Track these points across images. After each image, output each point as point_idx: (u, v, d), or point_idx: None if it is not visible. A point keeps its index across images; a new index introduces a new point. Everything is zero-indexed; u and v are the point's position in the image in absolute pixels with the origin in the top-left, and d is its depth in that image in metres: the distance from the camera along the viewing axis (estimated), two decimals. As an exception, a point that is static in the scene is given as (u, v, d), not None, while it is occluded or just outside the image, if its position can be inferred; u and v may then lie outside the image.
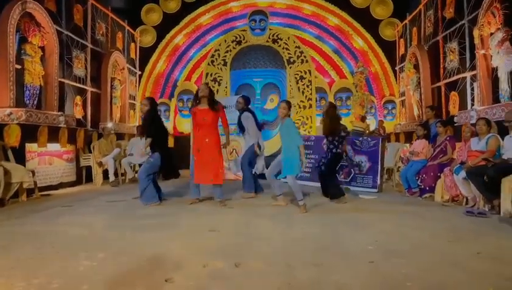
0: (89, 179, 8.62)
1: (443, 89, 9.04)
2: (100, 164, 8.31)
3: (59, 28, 8.30)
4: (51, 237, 3.64)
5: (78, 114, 9.23)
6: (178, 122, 12.53)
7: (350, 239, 3.53)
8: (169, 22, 12.63)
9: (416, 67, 9.98)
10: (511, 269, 2.68)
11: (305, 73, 10.69)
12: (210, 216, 4.71)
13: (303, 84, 10.63)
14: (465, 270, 2.67)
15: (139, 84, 12.58)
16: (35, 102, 7.51)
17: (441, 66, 9.15)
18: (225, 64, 10.93)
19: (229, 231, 3.92)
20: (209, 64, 11.10)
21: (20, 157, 6.58)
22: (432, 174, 6.30)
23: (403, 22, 11.55)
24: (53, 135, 7.44)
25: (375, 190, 7.05)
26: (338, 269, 2.68)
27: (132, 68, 12.15)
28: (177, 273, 2.60)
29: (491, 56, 6.86)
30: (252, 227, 4.10)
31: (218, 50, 11.11)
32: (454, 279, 2.51)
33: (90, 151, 8.71)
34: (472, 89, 7.77)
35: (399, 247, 3.26)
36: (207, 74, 11.01)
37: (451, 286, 2.42)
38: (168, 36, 12.64)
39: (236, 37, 11.11)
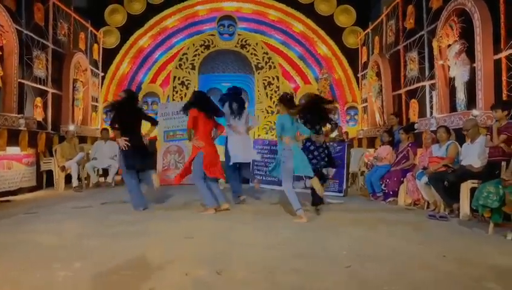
0: (50, 183, 8.31)
1: (403, 96, 9.44)
2: (63, 169, 8.03)
3: (18, 27, 7.96)
4: (20, 247, 3.50)
5: (39, 116, 8.86)
6: (142, 125, 12.26)
7: (325, 244, 3.64)
8: (133, 24, 12.38)
9: (378, 74, 10.35)
10: (476, 271, 2.87)
11: (273, 79, 10.86)
12: (188, 222, 4.69)
13: (271, 90, 10.79)
14: (435, 272, 2.83)
15: (102, 86, 12.26)
16: (-7, 104, 7.18)
17: (402, 74, 9.56)
18: (193, 68, 10.90)
19: (208, 237, 3.93)
20: (176, 67, 11.02)
21: (-22, 162, 6.26)
22: (395, 179, 6.57)
23: (366, 31, 11.95)
24: (13, 138, 7.13)
25: (341, 194, 7.26)
26: (318, 274, 2.76)
27: (95, 70, 11.82)
28: (159, 282, 2.59)
29: (449, 66, 7.27)
30: (232, 233, 4.12)
31: (186, 54, 11.06)
32: (427, 281, 2.66)
33: (51, 155, 8.40)
34: (431, 97, 8.17)
35: (371, 251, 3.40)
36: (174, 77, 10.92)
37: (425, 287, 2.56)
38: (132, 38, 12.38)
39: (205, 41, 11.11)
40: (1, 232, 4.11)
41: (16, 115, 7.48)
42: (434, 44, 7.60)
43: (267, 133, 10.69)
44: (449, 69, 7.29)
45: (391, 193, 6.59)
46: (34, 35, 8.64)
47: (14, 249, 3.44)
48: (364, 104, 11.96)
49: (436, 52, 7.62)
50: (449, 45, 7.23)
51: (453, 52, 7.04)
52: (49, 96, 9.32)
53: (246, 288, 2.53)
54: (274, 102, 10.79)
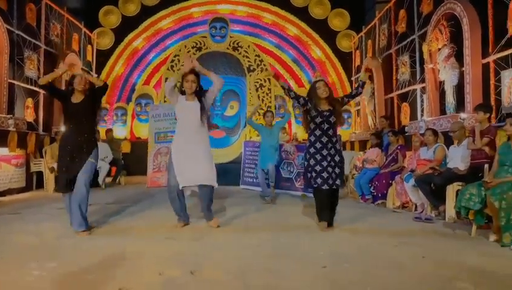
0: (40, 185, 8.28)
1: (395, 99, 9.47)
2: (52, 170, 7.97)
3: (9, 27, 7.96)
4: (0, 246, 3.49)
5: (30, 117, 8.85)
6: (135, 127, 12.29)
7: (303, 245, 3.63)
8: (128, 25, 12.42)
9: (371, 78, 10.38)
10: (451, 271, 2.86)
11: (265, 81, 10.88)
12: (168, 223, 4.66)
13: (263, 92, 10.81)
14: (408, 273, 2.83)
15: (95, 88, 12.23)
16: (-18, 104, 7.16)
17: (394, 77, 9.59)
18: (185, 69, 10.90)
19: (185, 238, 3.91)
20: (168, 69, 11.04)
21: (-36, 162, 6.24)
22: (384, 181, 6.56)
23: (359, 34, 11.99)
24: (1, 138, 7.11)
25: (330, 197, 7.23)
26: (292, 274, 2.75)
27: (89, 71, 11.78)
28: (131, 281, 2.57)
29: (439, 70, 7.29)
30: (208, 234, 4.10)
31: (178, 55, 11.08)
32: (398, 281, 2.66)
33: (41, 156, 8.37)
34: (422, 101, 8.19)
35: (349, 252, 3.39)
36: (166, 79, 10.91)
37: (394, 287, 2.55)
38: (127, 39, 12.42)
39: (197, 43, 11.13)
40: (-18, 232, 4.09)
41: (5, 116, 7.45)
42: (424, 48, 7.63)
43: (258, 136, 10.69)
44: (439, 73, 7.31)
45: (379, 195, 6.57)
46: (25, 36, 8.64)
47: (-9, 249, 3.42)
48: (357, 108, 11.98)
49: (426, 56, 7.65)
50: (439, 49, 7.27)
51: (442, 56, 7.07)
52: (41, 97, 9.31)
53: (217, 288, 2.51)
54: (265, 104, 10.79)
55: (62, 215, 5.08)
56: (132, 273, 2.75)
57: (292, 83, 12.64)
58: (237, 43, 11.04)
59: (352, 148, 10.77)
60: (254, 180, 8.28)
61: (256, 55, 10.98)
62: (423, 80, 8.05)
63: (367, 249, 3.51)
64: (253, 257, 3.20)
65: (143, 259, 3.12)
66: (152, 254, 3.28)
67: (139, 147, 11.35)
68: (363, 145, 10.27)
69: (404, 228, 4.62)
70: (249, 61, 10.93)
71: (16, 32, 8.31)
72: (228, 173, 8.37)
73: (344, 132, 12.13)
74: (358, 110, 11.86)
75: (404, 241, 3.87)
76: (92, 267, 2.89)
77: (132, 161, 10.61)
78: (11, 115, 7.64)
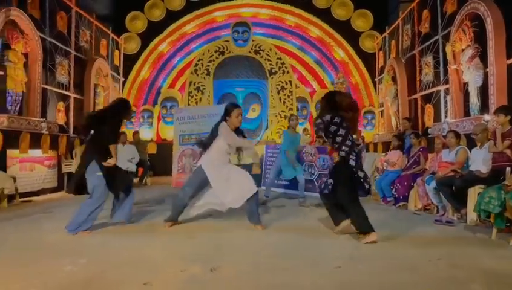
0: (71, 185, 8.65)
1: (419, 101, 9.38)
2: (82, 171, 8.32)
3: (42, 35, 8.35)
4: (34, 243, 3.73)
5: (61, 120, 9.25)
6: (161, 129, 12.61)
7: (320, 246, 3.71)
8: (153, 30, 12.76)
9: (394, 79, 10.31)
10: (466, 274, 2.89)
11: (287, 84, 10.99)
12: (190, 223, 4.83)
13: (284, 95, 10.93)
14: (421, 275, 2.88)
15: (123, 91, 12.64)
16: (17, 108, 7.55)
17: (417, 78, 9.51)
18: (208, 73, 11.16)
19: (205, 237, 4.06)
20: (192, 73, 11.31)
21: (1, 163, 6.60)
22: (406, 183, 6.54)
23: (383, 35, 11.92)
24: (35, 141, 7.47)
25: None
26: (306, 274, 2.85)
27: (116, 75, 12.21)
28: (155, 277, 2.74)
29: (462, 71, 7.21)
30: (227, 234, 4.24)
31: (202, 59, 11.34)
32: (410, 282, 2.72)
33: (72, 158, 8.74)
34: (446, 102, 8.10)
35: (364, 254, 3.45)
36: (190, 83, 11.19)
37: (404, 288, 2.61)
38: (152, 44, 12.77)
39: (220, 48, 11.35)
40: (17, 231, 4.37)
41: (39, 119, 7.83)
42: (448, 48, 7.55)
43: (280, 138, 10.81)
44: (462, 74, 7.22)
45: (401, 197, 6.56)
46: (57, 43, 9.05)
47: (25, 244, 3.67)
48: (381, 109, 11.91)
49: (449, 56, 7.56)
50: (462, 50, 7.18)
51: (466, 57, 6.99)
52: (71, 101, 9.71)
53: (235, 285, 2.64)
54: (287, 106, 10.88)
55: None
56: (156, 270, 2.92)
57: (315, 84, 12.68)
58: (259, 47, 11.20)
59: (375, 150, 10.71)
60: (276, 181, 8.39)
61: (277, 58, 11.11)
62: (447, 81, 7.96)
63: (383, 251, 3.56)
64: (270, 257, 3.32)
65: (166, 256, 3.30)
66: (175, 252, 3.45)
67: (165, 148, 11.68)
68: (386, 146, 10.21)
69: (424, 230, 4.62)
70: (270, 64, 11.07)
71: (48, 39, 8.71)
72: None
73: (368, 133, 12.11)
74: (382, 112, 11.78)
75: (422, 243, 3.89)
76: (119, 264, 3.07)
77: (158, 161, 10.90)
78: (44, 119, 8.02)
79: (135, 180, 9.46)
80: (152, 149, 11.59)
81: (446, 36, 7.97)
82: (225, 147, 4.49)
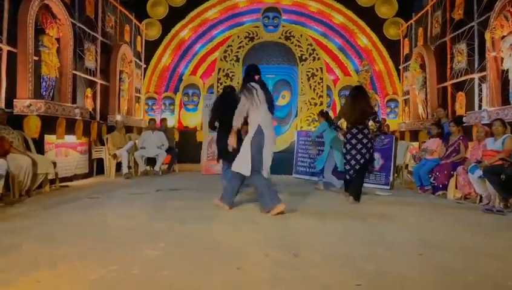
0: (100, 171, 8.68)
1: (449, 89, 9.27)
2: (114, 156, 8.35)
3: (72, 20, 8.28)
4: (97, 227, 3.73)
5: (89, 106, 9.22)
6: (182, 116, 12.56)
7: (390, 233, 3.70)
8: (174, 16, 12.61)
9: (422, 67, 10.19)
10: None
11: (317, 70, 10.89)
12: (245, 207, 4.82)
13: (314, 82, 10.82)
14: (504, 263, 2.85)
15: (144, 78, 12.58)
16: (51, 94, 7.53)
17: (448, 66, 9.37)
18: (237, 60, 11.07)
19: (267, 222, 4.06)
20: (221, 59, 11.21)
21: (39, 148, 6.61)
22: (445, 172, 6.51)
23: (408, 22, 11.75)
24: (69, 126, 7.48)
25: (387, 187, 7.25)
26: (395, 261, 2.83)
27: (138, 61, 12.13)
28: (243, 262, 2.72)
29: (502, 58, 7.09)
30: (287, 219, 4.24)
31: (231, 46, 11.22)
32: (501, 271, 2.69)
33: (102, 144, 8.75)
34: (481, 90, 8.00)
35: (439, 241, 3.43)
36: (219, 69, 11.12)
37: (498, 277, 2.58)
38: (174, 30, 12.62)
39: (249, 33, 11.23)
40: (74, 214, 4.37)
41: (72, 105, 7.81)
42: (487, 35, 7.41)
43: (309, 125, 10.74)
44: (502, 61, 7.11)
45: (440, 186, 6.54)
46: (85, 28, 8.97)
47: (93, 229, 3.66)
48: (406, 97, 11.80)
49: (488, 43, 7.43)
50: (503, 36, 7.05)
51: (508, 44, 6.86)
52: (98, 87, 9.67)
53: (325, 270, 2.62)
54: (317, 94, 10.79)
55: (136, 201, 5.35)
56: (239, 255, 2.89)
57: (338, 72, 12.54)
58: (289, 33, 11.08)
59: (402, 138, 10.63)
60: (307, 169, 8.37)
61: (308, 44, 10.99)
62: (482, 69, 7.84)
63: (455, 238, 3.54)
64: (345, 243, 3.30)
65: (242, 241, 3.27)
66: (248, 237, 3.44)
67: (186, 135, 11.70)
68: (414, 135, 10.15)
69: (478, 219, 4.61)
70: (301, 51, 10.95)
71: (78, 24, 8.64)
72: (279, 162, 8.47)
73: (392, 121, 12.01)
74: (406, 100, 11.68)
75: (486, 232, 3.87)
76: (199, 247, 3.06)
77: (180, 149, 10.87)
78: (77, 105, 8.00)
79: (164, 167, 9.48)
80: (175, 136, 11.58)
81: (483, 23, 7.82)
82: None
